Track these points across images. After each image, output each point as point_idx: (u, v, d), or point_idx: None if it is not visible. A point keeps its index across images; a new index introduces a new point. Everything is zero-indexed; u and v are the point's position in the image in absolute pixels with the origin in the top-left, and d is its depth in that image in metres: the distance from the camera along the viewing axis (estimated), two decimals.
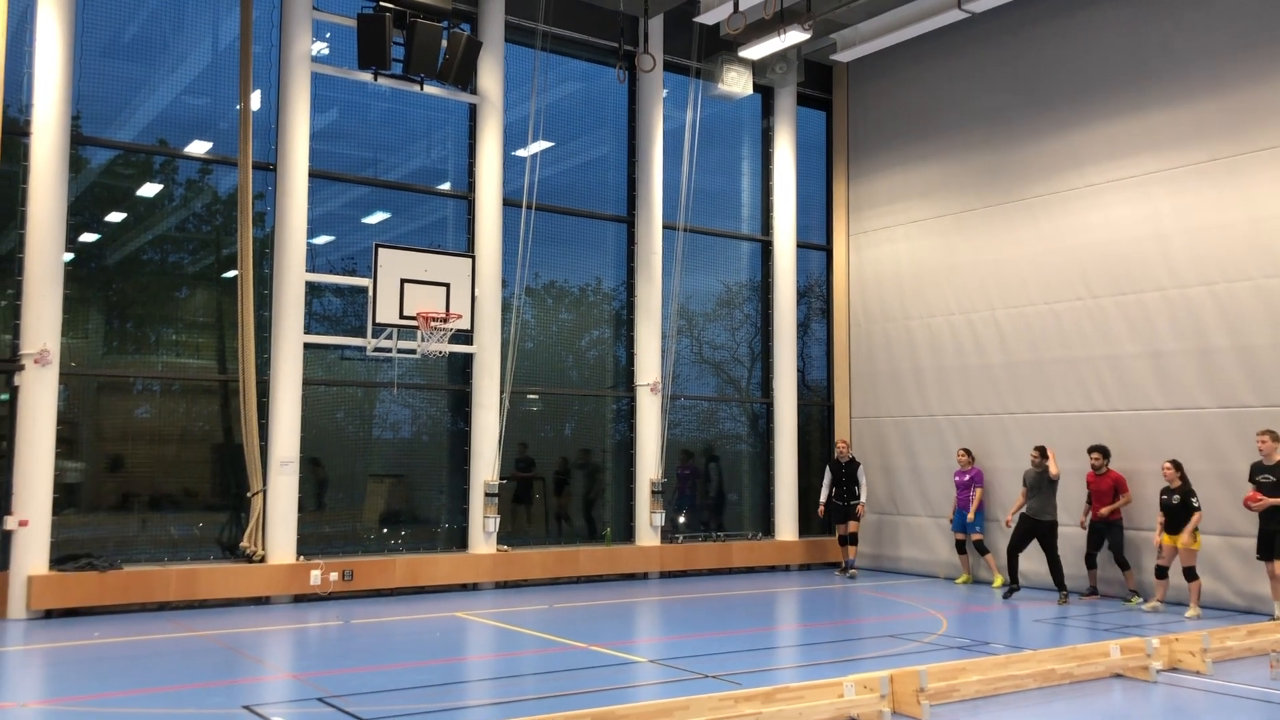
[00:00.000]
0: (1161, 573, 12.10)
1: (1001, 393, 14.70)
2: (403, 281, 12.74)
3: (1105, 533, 13.15)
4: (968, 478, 14.57)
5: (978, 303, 15.08)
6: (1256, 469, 11.44)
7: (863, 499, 15.27)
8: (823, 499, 15.35)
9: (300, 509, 12.69)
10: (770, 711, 6.62)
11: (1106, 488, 13.14)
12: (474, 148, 14.29)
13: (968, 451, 14.67)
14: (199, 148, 13.02)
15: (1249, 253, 12.20)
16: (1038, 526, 13.03)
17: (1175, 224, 12.87)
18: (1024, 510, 13.21)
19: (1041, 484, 13.08)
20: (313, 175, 13.03)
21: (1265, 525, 11.25)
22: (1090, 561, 13.36)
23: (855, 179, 17.20)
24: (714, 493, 16.59)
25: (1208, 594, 12.07)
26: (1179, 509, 11.83)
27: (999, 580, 14.25)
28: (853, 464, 15.34)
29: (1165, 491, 12.03)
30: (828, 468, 15.50)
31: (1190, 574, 11.76)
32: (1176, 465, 12.02)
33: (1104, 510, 13.01)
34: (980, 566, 14.70)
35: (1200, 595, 11.83)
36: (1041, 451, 13.20)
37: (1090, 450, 13.37)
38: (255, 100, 12.91)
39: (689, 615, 12.28)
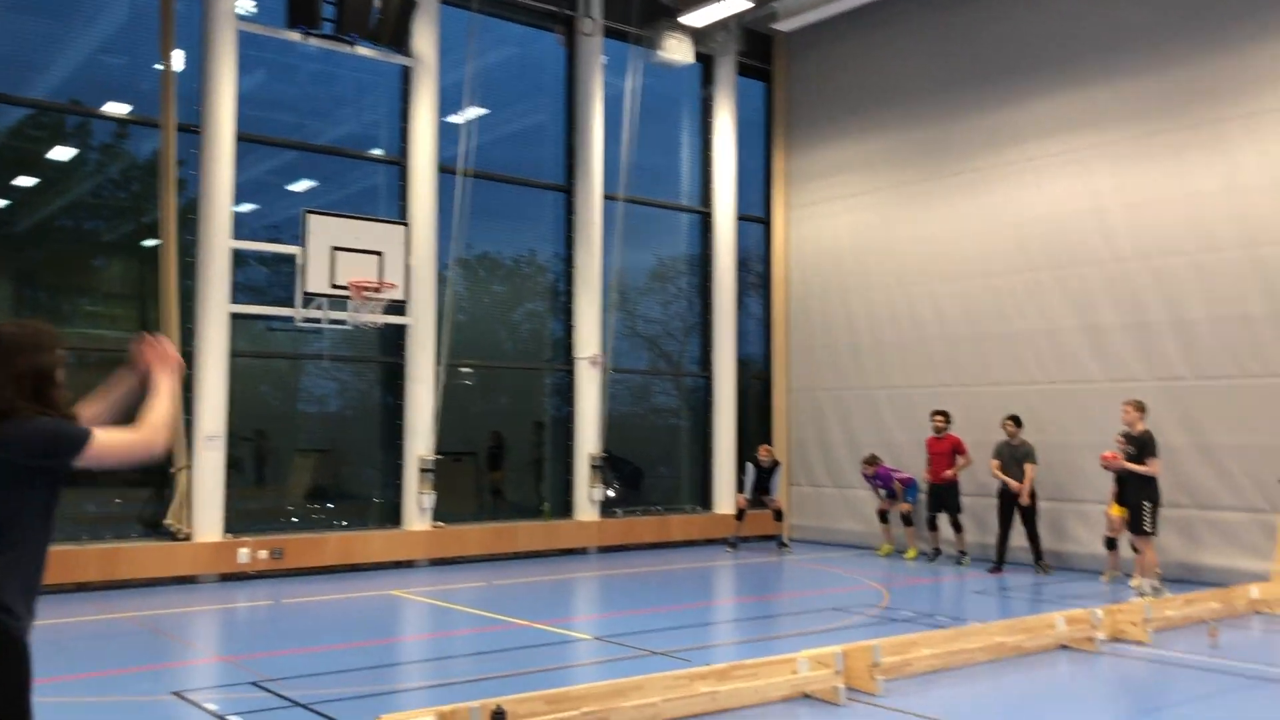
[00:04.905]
0: (1111, 544, 12.15)
1: (937, 366, 14.73)
2: (334, 249, 12.32)
3: (944, 495, 13.67)
4: (879, 482, 14.64)
5: (916, 276, 15.07)
6: (1125, 438, 11.48)
7: (775, 495, 15.37)
8: (747, 494, 15.28)
9: (240, 483, 12.28)
10: (726, 690, 6.47)
11: (945, 450, 13.70)
12: (407, 112, 13.83)
13: (870, 459, 14.61)
14: (116, 109, 12.41)
15: (1186, 228, 12.32)
16: (1017, 499, 12.81)
17: (1114, 199, 12.94)
18: (1002, 486, 13.02)
19: (1017, 456, 12.91)
20: (240, 139, 12.48)
21: (1132, 498, 11.18)
22: (931, 524, 13.96)
23: (794, 151, 17.07)
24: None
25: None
26: (1126, 477, 11.49)
27: (913, 551, 14.47)
28: (774, 466, 15.35)
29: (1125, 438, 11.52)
30: (750, 466, 15.38)
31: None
32: (1139, 405, 11.39)
33: (948, 473, 13.58)
34: (907, 536, 14.66)
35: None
36: (1016, 421, 13.05)
37: (933, 413, 13.79)
38: (178, 60, 12.32)
39: (631, 590, 12.11)
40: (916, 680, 7.34)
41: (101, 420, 3.61)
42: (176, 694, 6.92)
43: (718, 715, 6.38)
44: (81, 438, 3.32)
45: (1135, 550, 11.44)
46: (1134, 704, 7.14)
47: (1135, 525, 11.14)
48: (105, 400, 3.70)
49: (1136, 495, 11.11)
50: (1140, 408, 11.32)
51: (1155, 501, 11.08)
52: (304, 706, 6.57)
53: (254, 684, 7.21)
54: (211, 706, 6.62)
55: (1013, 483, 12.86)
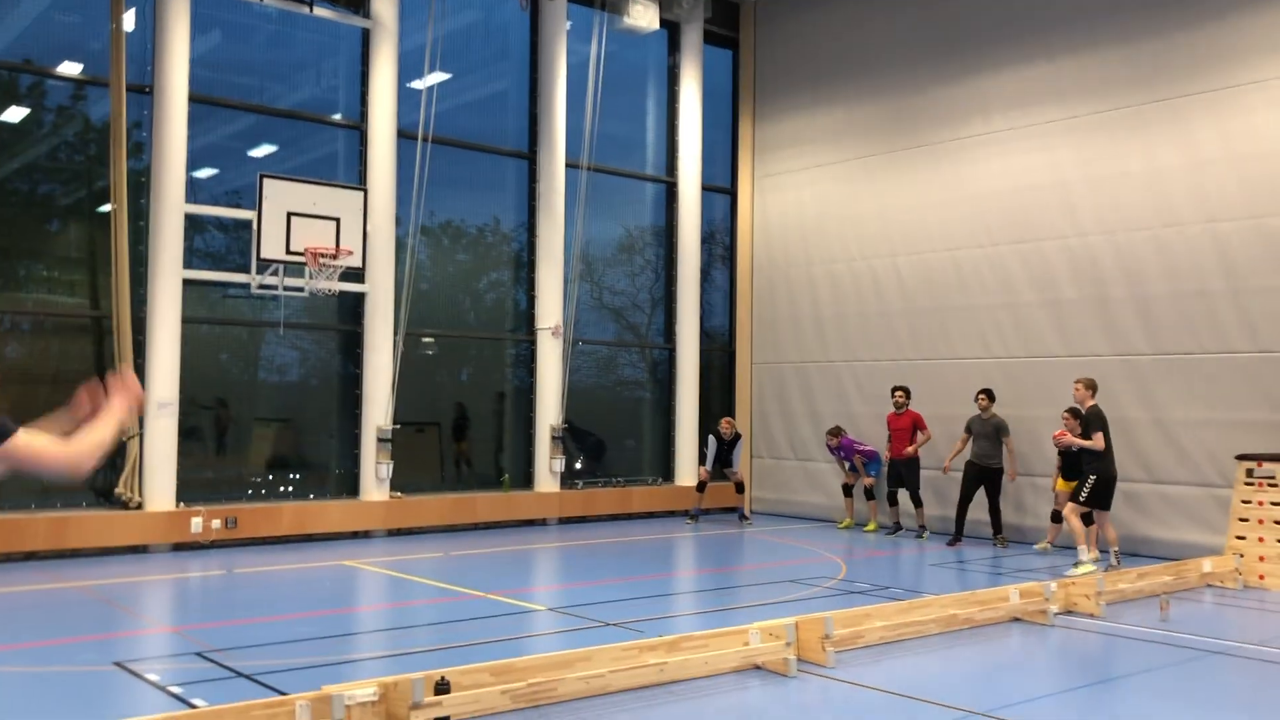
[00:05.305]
0: (1056, 517, 12.27)
1: (899, 339, 14.73)
2: (290, 215, 12.11)
3: (904, 471, 13.76)
4: (842, 454, 14.64)
5: (880, 249, 15.03)
6: (1072, 413, 11.51)
7: (736, 468, 15.36)
8: (707, 466, 15.25)
9: (200, 451, 12.17)
10: (675, 661, 6.42)
11: (905, 426, 13.79)
12: (367, 76, 13.61)
13: (834, 431, 14.66)
14: (70, 69, 12.11)
15: (1147, 203, 12.33)
16: (985, 473, 12.90)
17: (1077, 173, 12.93)
18: (970, 458, 13.05)
19: (988, 430, 12.96)
20: (193, 100, 12.22)
21: (1085, 470, 11.14)
22: (892, 499, 14.02)
23: (760, 121, 16.95)
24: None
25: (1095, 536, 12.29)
26: (1076, 455, 11.60)
27: (873, 525, 14.47)
28: (736, 438, 15.32)
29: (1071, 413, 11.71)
30: (712, 439, 15.33)
31: (1087, 518, 11.90)
32: (1089, 383, 11.46)
33: (908, 450, 13.66)
34: (869, 510, 14.69)
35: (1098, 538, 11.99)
36: (989, 395, 13.06)
37: (894, 389, 13.88)
38: (129, 20, 12.03)
39: (589, 562, 12.07)
40: (868, 652, 7.34)
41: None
42: (119, 664, 6.80)
43: (667, 687, 6.35)
44: (4, 432, 3.13)
45: (1061, 518, 11.66)
46: (1082, 675, 7.16)
47: (1074, 493, 11.24)
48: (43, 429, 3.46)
49: (1087, 468, 11.17)
50: (1090, 386, 11.31)
51: (1103, 476, 11.03)
52: (247, 677, 6.47)
53: (199, 654, 7.10)
54: (153, 677, 6.50)
55: (948, 463, 13.29)
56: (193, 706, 5.78)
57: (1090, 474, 11.06)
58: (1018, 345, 13.44)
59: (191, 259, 12.45)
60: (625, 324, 16.97)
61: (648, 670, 6.29)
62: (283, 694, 5.96)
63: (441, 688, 5.47)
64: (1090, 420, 11.14)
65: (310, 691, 5.42)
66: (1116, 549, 11.27)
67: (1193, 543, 11.71)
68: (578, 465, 15.64)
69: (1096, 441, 11.01)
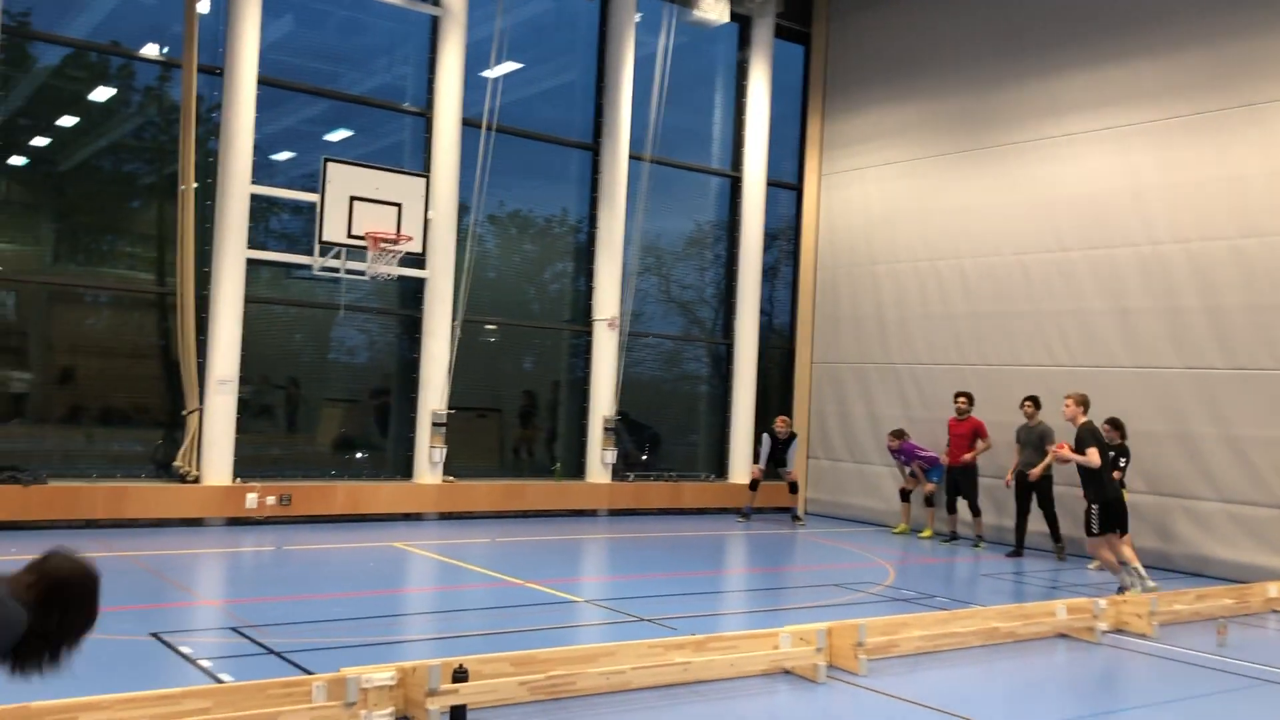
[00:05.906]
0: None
1: (962, 343, 14.41)
2: (352, 199, 12.22)
3: (961, 478, 13.44)
4: (903, 458, 14.40)
5: (945, 250, 14.72)
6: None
7: (791, 467, 15.22)
8: (761, 464, 15.11)
9: (271, 429, 12.47)
10: (701, 661, 6.34)
11: (965, 433, 13.45)
12: (434, 63, 13.68)
13: (896, 433, 14.40)
14: (150, 51, 12.40)
15: (1225, 211, 11.89)
16: (1036, 484, 12.52)
17: (1153, 178, 12.52)
18: (1018, 468, 12.71)
19: (1033, 439, 12.59)
20: (262, 83, 12.40)
21: (1085, 496, 10.20)
22: (950, 507, 13.71)
23: (830, 116, 16.71)
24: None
25: (1156, 555, 11.93)
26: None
27: (929, 531, 14.22)
28: (791, 438, 15.16)
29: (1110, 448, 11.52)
30: (766, 437, 15.19)
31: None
32: (1115, 424, 11.53)
33: (966, 456, 13.34)
34: (926, 517, 14.43)
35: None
36: (1035, 403, 12.71)
37: (957, 395, 13.57)
38: (204, 3, 12.26)
39: (634, 555, 12.03)
40: (903, 661, 7.18)
41: None
42: (155, 635, 6.91)
43: (691, 686, 6.27)
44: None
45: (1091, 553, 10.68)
46: (1124, 698, 6.93)
47: (1085, 529, 10.07)
48: None
49: (1085, 492, 10.04)
50: (1080, 402, 10.15)
51: (1103, 503, 9.85)
52: (277, 654, 6.54)
53: (234, 629, 7.20)
54: (186, 650, 6.60)
55: (1010, 475, 12.78)
56: (219, 682, 5.85)
57: (1089, 502, 9.88)
58: (1083, 354, 13.06)
59: (267, 240, 12.67)
60: (692, 318, 16.88)
61: (671, 669, 6.21)
62: (308, 673, 6.01)
63: (460, 676, 5.45)
64: (1084, 437, 10.06)
65: (330, 673, 5.44)
66: (1138, 567, 10.56)
67: (1260, 565, 11.28)
68: (644, 457, 15.62)
69: (1091, 456, 9.85)
